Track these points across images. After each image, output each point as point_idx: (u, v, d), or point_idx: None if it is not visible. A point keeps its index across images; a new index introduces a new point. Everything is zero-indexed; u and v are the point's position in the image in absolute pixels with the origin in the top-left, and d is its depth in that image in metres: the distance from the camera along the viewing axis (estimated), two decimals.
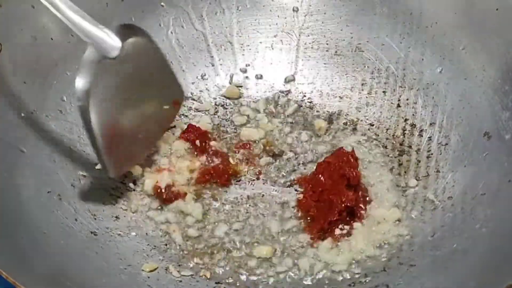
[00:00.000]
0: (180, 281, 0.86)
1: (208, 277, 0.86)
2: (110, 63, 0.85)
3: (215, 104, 1.04)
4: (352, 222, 0.90)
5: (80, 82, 0.84)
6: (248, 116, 1.03)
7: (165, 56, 0.96)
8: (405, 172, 0.96)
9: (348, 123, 1.02)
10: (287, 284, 0.86)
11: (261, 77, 1.07)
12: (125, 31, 0.88)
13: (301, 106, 1.04)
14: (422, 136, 0.99)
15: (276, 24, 1.09)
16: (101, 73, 0.85)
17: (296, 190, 0.95)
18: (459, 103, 0.98)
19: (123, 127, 0.91)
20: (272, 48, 1.08)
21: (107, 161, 0.89)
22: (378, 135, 1.01)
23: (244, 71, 1.07)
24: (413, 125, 1.00)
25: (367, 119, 1.02)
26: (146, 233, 0.90)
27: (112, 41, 0.85)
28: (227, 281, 0.86)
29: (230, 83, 1.07)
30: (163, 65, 0.95)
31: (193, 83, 1.06)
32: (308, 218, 0.91)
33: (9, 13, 0.93)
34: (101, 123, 0.86)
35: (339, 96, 1.05)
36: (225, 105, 1.04)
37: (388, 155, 0.98)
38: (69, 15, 0.84)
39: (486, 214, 0.86)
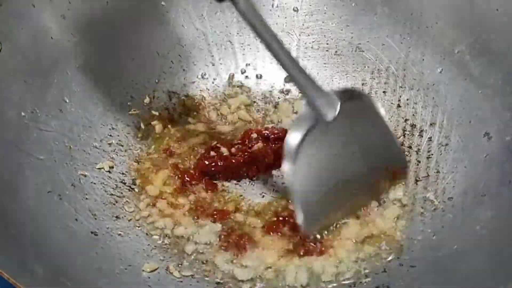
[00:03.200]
0: (181, 281, 0.86)
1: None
2: (325, 125, 0.83)
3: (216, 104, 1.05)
4: None
5: (292, 140, 0.83)
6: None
7: (387, 124, 0.92)
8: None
9: None
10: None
11: (261, 76, 1.07)
12: (346, 94, 0.86)
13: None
14: (422, 136, 0.99)
15: (276, 23, 1.09)
16: (315, 133, 0.83)
17: None
18: (459, 104, 0.98)
19: (326, 190, 0.87)
20: None
21: (304, 219, 0.87)
22: None
23: (244, 71, 1.07)
24: (413, 126, 1.00)
25: None
26: (147, 233, 0.90)
27: (330, 102, 0.83)
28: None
29: (230, 82, 1.07)
30: (384, 132, 0.91)
31: (193, 82, 1.06)
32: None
33: (9, 13, 0.93)
34: (303, 182, 0.85)
35: None
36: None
37: None
38: (292, 71, 0.82)
39: (486, 215, 0.86)
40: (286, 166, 0.84)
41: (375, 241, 0.89)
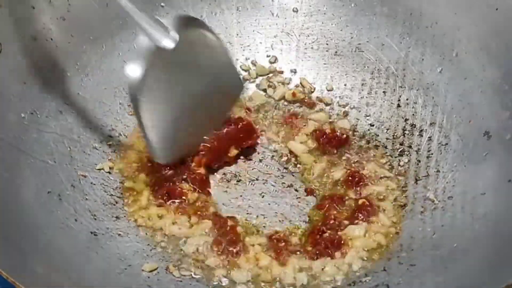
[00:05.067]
0: (181, 281, 0.86)
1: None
2: (165, 53, 0.84)
3: None
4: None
5: (133, 71, 0.83)
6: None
7: (227, 49, 0.95)
8: (405, 172, 0.96)
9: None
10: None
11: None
12: (183, 22, 0.87)
13: (301, 106, 1.04)
14: (422, 136, 0.99)
15: (276, 24, 1.09)
16: (155, 63, 0.84)
17: None
18: (459, 103, 0.98)
19: (175, 116, 0.90)
20: (272, 49, 1.09)
21: (156, 148, 0.89)
22: (378, 135, 1.01)
23: (247, 70, 1.07)
24: (413, 125, 1.00)
25: (367, 119, 1.02)
26: (146, 233, 0.90)
27: (168, 32, 0.83)
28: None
29: None
30: (222, 58, 0.93)
31: None
32: None
33: (9, 15, 0.93)
34: (151, 112, 0.86)
35: (339, 96, 1.05)
36: None
37: (388, 155, 0.98)
38: (124, 4, 0.82)
39: (486, 214, 0.86)
40: (132, 101, 0.85)
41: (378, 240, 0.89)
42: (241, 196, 0.96)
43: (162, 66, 0.84)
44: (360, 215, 0.91)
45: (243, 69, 1.07)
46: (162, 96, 0.87)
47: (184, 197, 0.92)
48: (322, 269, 0.86)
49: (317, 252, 0.87)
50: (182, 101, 0.90)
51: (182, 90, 0.89)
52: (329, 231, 0.89)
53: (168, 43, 0.83)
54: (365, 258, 0.87)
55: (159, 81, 0.85)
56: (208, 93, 0.92)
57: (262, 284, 0.86)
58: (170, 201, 0.92)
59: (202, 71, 0.90)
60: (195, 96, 0.91)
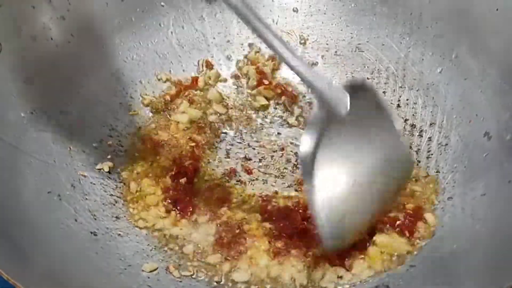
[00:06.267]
0: (180, 281, 0.86)
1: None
2: (339, 121, 0.75)
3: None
4: None
5: (307, 143, 0.74)
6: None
7: (391, 116, 0.82)
8: None
9: None
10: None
11: None
12: (351, 85, 0.77)
13: (301, 106, 1.04)
14: (422, 136, 0.99)
15: (276, 24, 1.09)
16: (329, 132, 0.74)
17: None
18: (459, 103, 0.97)
19: (346, 194, 0.78)
20: None
21: (326, 233, 0.78)
22: None
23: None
24: (413, 126, 1.00)
25: None
26: (146, 233, 0.90)
27: (341, 96, 0.75)
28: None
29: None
30: (391, 129, 0.81)
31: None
32: None
33: (9, 14, 0.93)
34: (323, 189, 0.76)
35: None
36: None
37: None
38: (297, 66, 0.74)
39: (486, 215, 0.86)
40: (304, 175, 0.76)
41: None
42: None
43: (334, 134, 0.75)
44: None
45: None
46: (334, 170, 0.77)
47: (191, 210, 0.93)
48: (322, 277, 0.86)
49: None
50: (354, 175, 0.79)
51: (353, 163, 0.78)
52: None
53: (342, 109, 0.75)
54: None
55: (332, 151, 0.75)
56: (378, 169, 0.81)
57: (262, 283, 0.86)
58: (176, 209, 0.93)
59: (372, 142, 0.80)
60: (365, 171, 0.80)
